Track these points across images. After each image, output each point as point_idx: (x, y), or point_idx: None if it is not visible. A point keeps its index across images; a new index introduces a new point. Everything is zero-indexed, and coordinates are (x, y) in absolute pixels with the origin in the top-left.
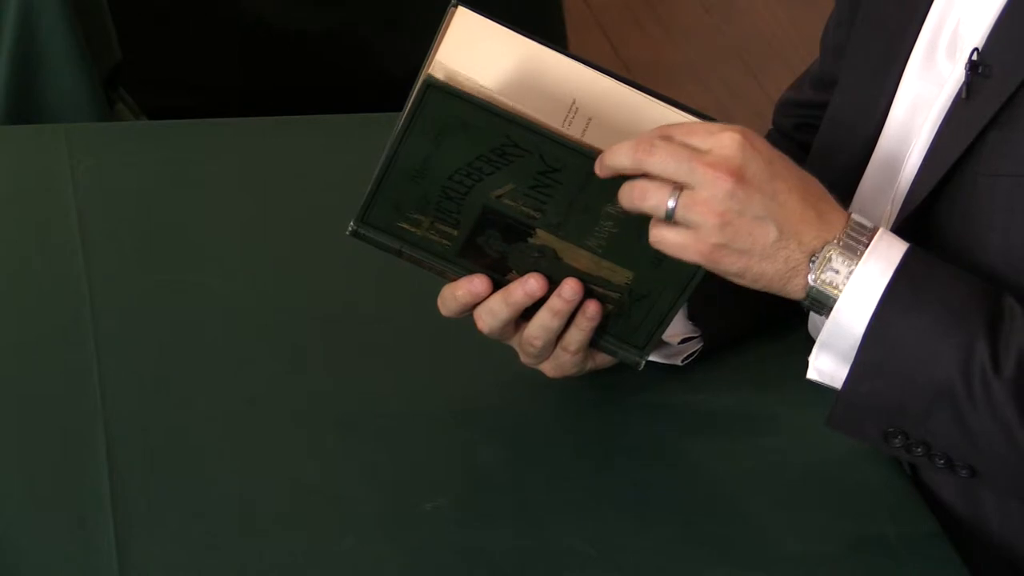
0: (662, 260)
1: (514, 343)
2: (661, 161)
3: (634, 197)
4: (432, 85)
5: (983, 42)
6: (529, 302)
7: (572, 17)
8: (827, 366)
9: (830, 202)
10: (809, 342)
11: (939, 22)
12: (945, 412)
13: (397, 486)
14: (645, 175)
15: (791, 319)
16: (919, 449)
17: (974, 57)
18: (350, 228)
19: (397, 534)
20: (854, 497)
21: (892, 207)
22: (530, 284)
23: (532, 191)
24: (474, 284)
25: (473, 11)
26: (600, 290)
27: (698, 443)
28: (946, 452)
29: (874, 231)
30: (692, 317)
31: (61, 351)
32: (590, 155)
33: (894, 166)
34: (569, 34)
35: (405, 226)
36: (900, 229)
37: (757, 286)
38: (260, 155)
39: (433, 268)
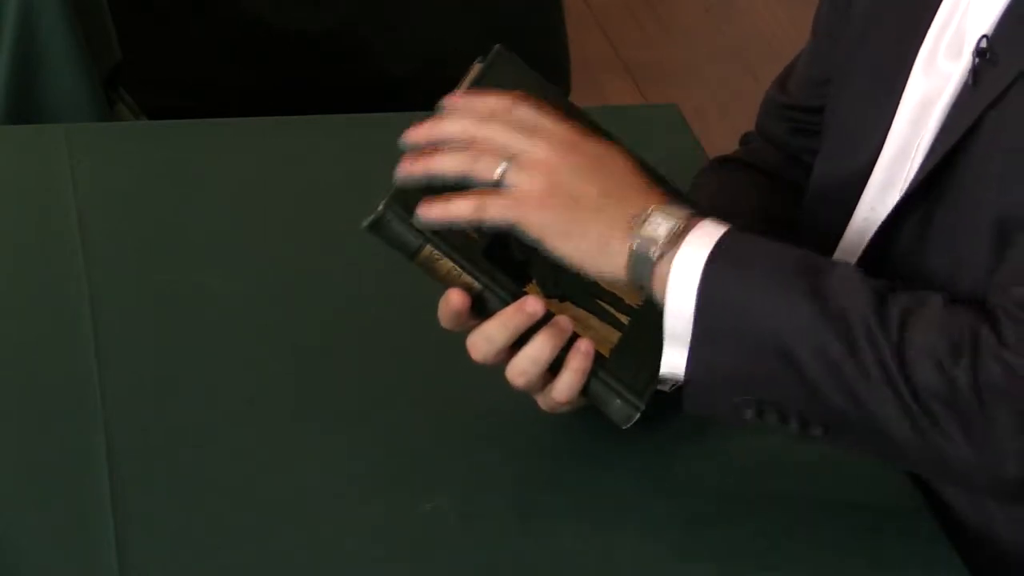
0: None
1: None
2: (492, 131)
3: (464, 162)
4: (501, 52)
5: (991, 30)
6: (529, 323)
7: (572, 17)
8: (675, 358)
9: (655, 184)
10: None
11: (947, 18)
12: (788, 373)
13: (397, 486)
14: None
15: None
16: (773, 415)
17: (982, 44)
18: (376, 213)
19: (397, 534)
20: (854, 498)
21: (902, 198)
22: (530, 303)
23: None
24: (451, 300)
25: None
26: (612, 310)
27: (698, 442)
28: (800, 412)
29: (697, 213)
30: None
31: (61, 351)
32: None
33: (903, 162)
34: (569, 34)
35: None
36: (901, 209)
37: (581, 249)
38: (260, 155)
39: (448, 275)
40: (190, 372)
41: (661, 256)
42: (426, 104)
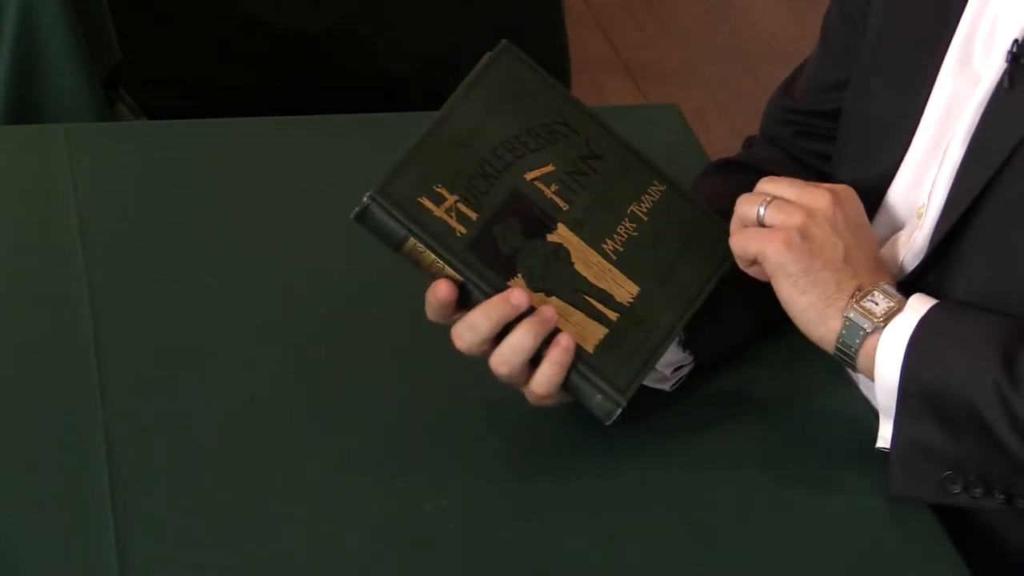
0: (669, 279)
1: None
2: (776, 186)
3: (737, 206)
4: (507, 48)
5: (1023, 33)
6: (513, 314)
7: (572, 17)
8: (888, 432)
9: (884, 264)
10: (807, 343)
11: (975, 19)
12: (986, 441)
13: (397, 486)
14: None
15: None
16: (978, 489)
17: (1014, 48)
18: (361, 204)
19: (397, 534)
20: (855, 498)
21: (930, 201)
22: (515, 295)
23: (568, 176)
24: (438, 290)
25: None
26: (599, 306)
27: (699, 441)
28: (1004, 486)
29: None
30: (685, 344)
31: (61, 351)
32: (632, 147)
33: (931, 162)
34: (569, 34)
35: (425, 202)
36: (944, 220)
37: (800, 302)
38: (260, 155)
39: (432, 267)
40: (190, 372)
41: (873, 331)
42: (426, 104)
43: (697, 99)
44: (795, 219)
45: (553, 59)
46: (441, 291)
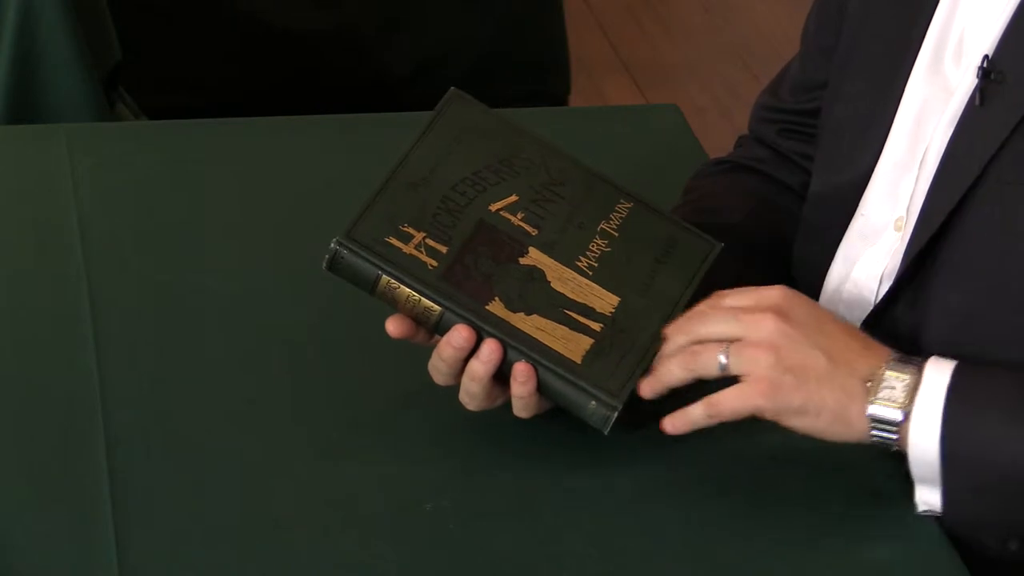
0: (649, 287)
1: None
2: (709, 325)
3: (687, 362)
4: (456, 94)
5: (993, 48)
6: (459, 355)
7: (572, 17)
8: (929, 496)
9: (870, 338)
10: None
11: (944, 28)
12: None
13: (397, 486)
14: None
15: None
16: None
17: (984, 64)
18: (331, 249)
19: (397, 534)
20: (855, 497)
21: (908, 215)
22: (454, 336)
23: (533, 204)
24: (389, 332)
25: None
26: (582, 319)
27: (699, 442)
28: None
29: (923, 360)
30: None
31: (61, 351)
32: (594, 171)
33: (906, 173)
34: (569, 34)
35: (393, 241)
36: (919, 236)
37: (819, 425)
38: (260, 155)
39: (408, 302)
40: (190, 372)
41: (905, 418)
42: (426, 104)
43: (697, 99)
44: (764, 361)
45: (553, 59)
46: (391, 330)
